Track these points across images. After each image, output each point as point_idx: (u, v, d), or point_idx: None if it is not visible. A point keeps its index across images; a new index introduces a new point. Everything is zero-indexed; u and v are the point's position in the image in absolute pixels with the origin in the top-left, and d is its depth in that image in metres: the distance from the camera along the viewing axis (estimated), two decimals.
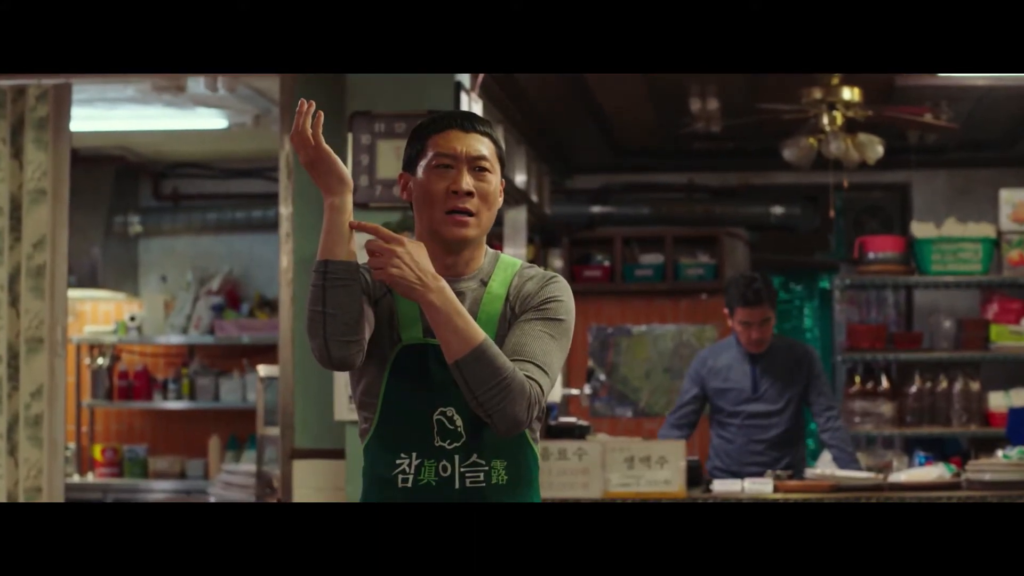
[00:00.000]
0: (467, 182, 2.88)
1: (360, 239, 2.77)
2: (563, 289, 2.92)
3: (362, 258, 2.84)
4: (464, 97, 5.42)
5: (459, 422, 2.86)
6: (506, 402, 2.74)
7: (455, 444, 2.86)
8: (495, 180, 2.93)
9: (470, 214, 2.88)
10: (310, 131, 2.79)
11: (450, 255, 2.90)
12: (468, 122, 2.94)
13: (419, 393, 2.86)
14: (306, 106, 2.80)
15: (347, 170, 2.83)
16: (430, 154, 2.91)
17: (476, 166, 2.90)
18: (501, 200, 2.97)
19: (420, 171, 2.92)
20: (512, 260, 2.99)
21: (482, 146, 2.92)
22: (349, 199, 2.82)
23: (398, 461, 2.87)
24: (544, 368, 2.82)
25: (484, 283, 2.93)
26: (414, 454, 2.86)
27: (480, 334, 2.75)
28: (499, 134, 3.01)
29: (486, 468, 2.87)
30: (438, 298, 2.75)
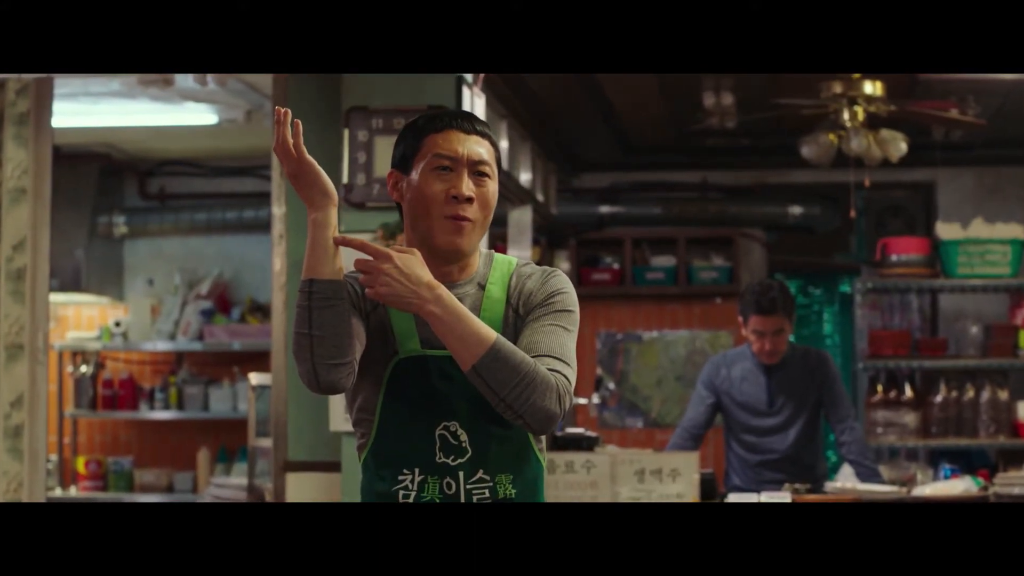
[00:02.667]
0: (468, 187, 2.87)
1: (349, 255, 2.75)
2: (565, 281, 2.94)
3: (350, 264, 2.82)
4: (466, 92, 5.42)
5: (464, 437, 2.86)
6: (534, 396, 2.73)
7: (460, 460, 2.86)
8: (494, 187, 2.93)
9: (468, 221, 2.87)
10: (291, 141, 2.78)
11: (446, 263, 2.89)
12: (468, 123, 2.93)
13: (420, 408, 2.85)
14: (283, 115, 2.78)
15: (331, 183, 2.80)
16: (428, 155, 2.89)
17: (477, 171, 2.90)
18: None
19: (416, 173, 2.90)
20: (507, 258, 2.99)
21: (483, 149, 2.91)
22: (333, 213, 2.79)
23: (400, 477, 2.86)
24: (564, 359, 2.81)
25: (481, 286, 2.93)
26: (416, 470, 2.86)
27: (491, 334, 2.74)
28: (498, 136, 3.02)
29: (491, 484, 2.87)
30: (438, 307, 2.73)
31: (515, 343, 2.82)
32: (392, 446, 2.87)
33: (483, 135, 2.93)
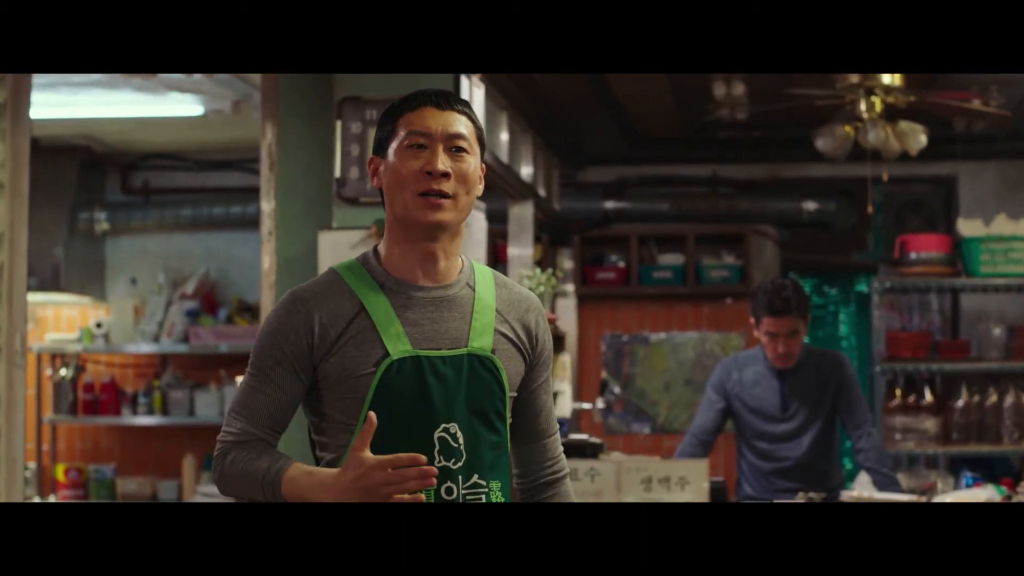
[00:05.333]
0: (443, 161, 2.89)
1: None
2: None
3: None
4: (464, 82, 5.42)
5: (461, 439, 2.88)
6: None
7: (459, 464, 2.88)
8: (474, 162, 2.95)
9: (446, 196, 2.89)
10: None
11: (427, 243, 2.91)
12: (443, 99, 2.95)
13: (416, 411, 2.86)
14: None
15: None
16: (402, 133, 2.92)
17: (453, 145, 2.91)
18: (482, 187, 2.99)
19: (391, 153, 2.93)
20: (482, 267, 3.05)
21: (459, 124, 2.93)
22: None
23: None
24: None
25: (471, 287, 2.97)
26: None
27: None
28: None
29: (486, 490, 2.90)
30: None
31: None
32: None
33: (460, 111, 2.95)
